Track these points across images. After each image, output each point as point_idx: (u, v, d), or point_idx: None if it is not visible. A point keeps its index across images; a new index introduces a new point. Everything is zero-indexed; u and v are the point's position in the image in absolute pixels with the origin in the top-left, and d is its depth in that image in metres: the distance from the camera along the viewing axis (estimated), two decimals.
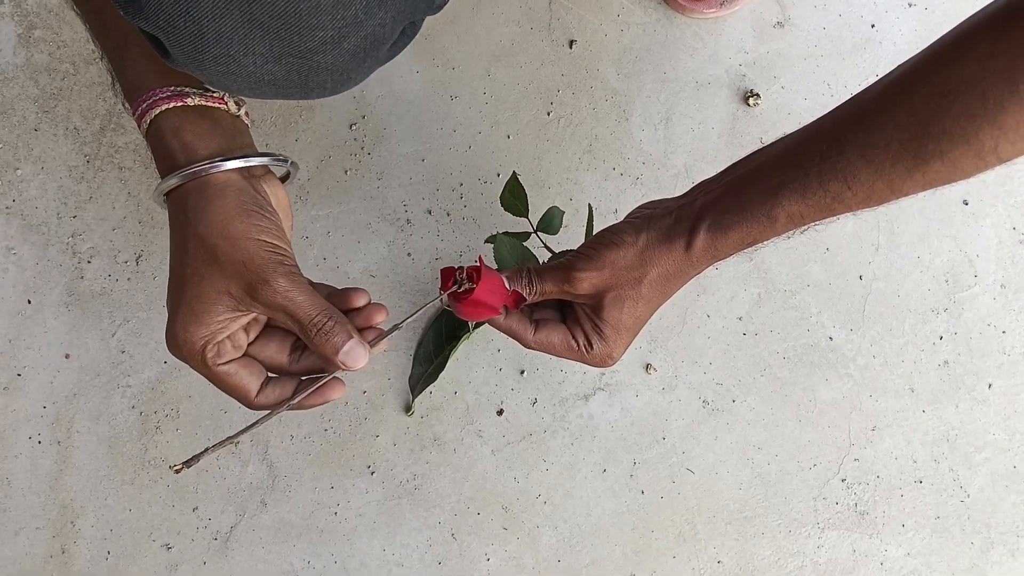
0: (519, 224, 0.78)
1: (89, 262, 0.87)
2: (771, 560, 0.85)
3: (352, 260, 0.87)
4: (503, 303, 0.55)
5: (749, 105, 0.90)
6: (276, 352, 0.53)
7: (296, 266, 0.50)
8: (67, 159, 0.88)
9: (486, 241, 0.78)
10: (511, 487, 0.85)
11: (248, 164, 0.52)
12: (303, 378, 0.53)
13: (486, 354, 0.86)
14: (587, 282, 0.55)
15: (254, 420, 0.51)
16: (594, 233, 0.72)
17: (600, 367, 0.59)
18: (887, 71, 0.48)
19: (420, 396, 0.85)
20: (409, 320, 0.54)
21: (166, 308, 0.50)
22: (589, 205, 0.73)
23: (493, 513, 0.85)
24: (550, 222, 0.77)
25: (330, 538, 0.84)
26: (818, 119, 0.52)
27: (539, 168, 0.89)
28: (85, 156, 0.89)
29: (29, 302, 0.86)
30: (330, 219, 0.87)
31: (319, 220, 0.87)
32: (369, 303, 0.54)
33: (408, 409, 0.85)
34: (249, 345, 0.52)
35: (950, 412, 0.87)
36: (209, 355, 0.49)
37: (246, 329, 0.52)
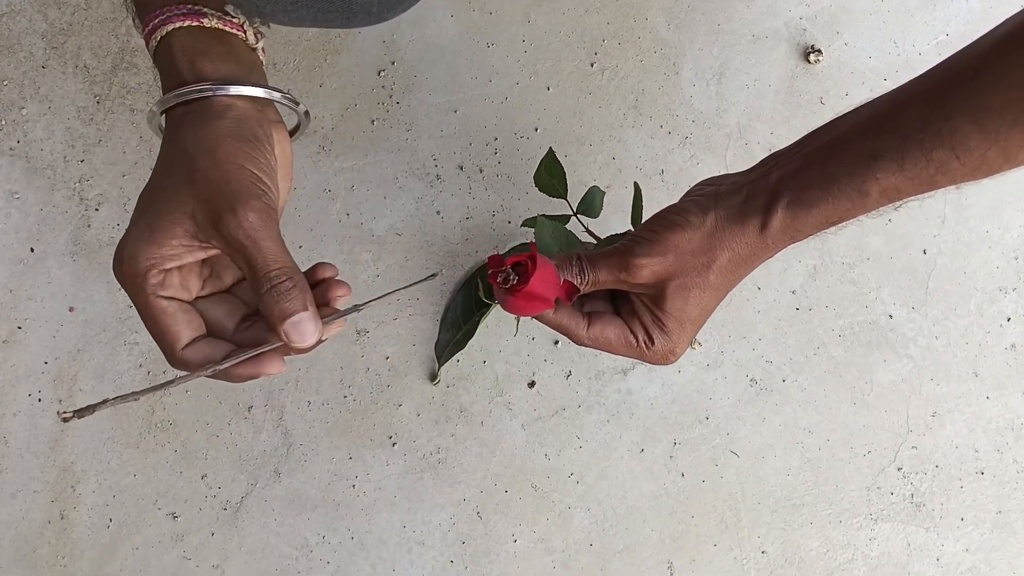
0: (553, 206, 0.72)
1: (97, 209, 0.81)
2: (819, 552, 0.79)
3: (377, 217, 0.81)
4: (556, 295, 0.49)
5: (809, 62, 0.83)
6: (224, 316, 0.46)
7: (275, 210, 0.44)
8: (76, 99, 0.82)
9: (523, 224, 0.72)
10: (542, 464, 0.79)
11: (257, 94, 0.47)
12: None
13: (519, 322, 0.80)
14: (648, 269, 0.49)
15: (176, 377, 0.44)
16: (642, 214, 0.67)
17: (661, 364, 0.53)
18: (959, 30, 0.43)
19: (447, 364, 0.79)
20: (373, 302, 0.48)
21: None
22: (636, 184, 0.67)
23: (522, 491, 0.79)
24: (590, 204, 0.71)
25: (347, 512, 0.79)
26: (913, 80, 0.47)
27: (580, 124, 0.82)
28: (95, 96, 0.83)
29: (32, 250, 0.81)
30: (354, 172, 0.81)
31: (343, 173, 0.81)
32: (334, 278, 0.48)
33: (434, 378, 0.79)
34: (199, 298, 0.46)
35: (1016, 399, 0.80)
36: (151, 281, 0.43)
37: (202, 278, 0.46)
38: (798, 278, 0.81)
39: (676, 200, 0.53)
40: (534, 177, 0.70)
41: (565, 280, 0.50)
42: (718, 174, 0.54)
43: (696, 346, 0.80)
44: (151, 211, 0.43)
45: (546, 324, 0.52)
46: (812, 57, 0.83)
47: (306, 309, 0.43)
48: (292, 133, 0.53)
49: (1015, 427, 0.80)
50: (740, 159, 0.82)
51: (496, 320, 0.80)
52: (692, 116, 0.83)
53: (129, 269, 0.43)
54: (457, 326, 0.79)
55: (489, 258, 0.48)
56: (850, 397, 0.80)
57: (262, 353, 0.44)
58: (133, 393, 0.42)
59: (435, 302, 0.80)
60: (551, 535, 0.79)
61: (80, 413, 0.40)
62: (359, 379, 0.80)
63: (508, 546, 0.78)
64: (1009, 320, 0.81)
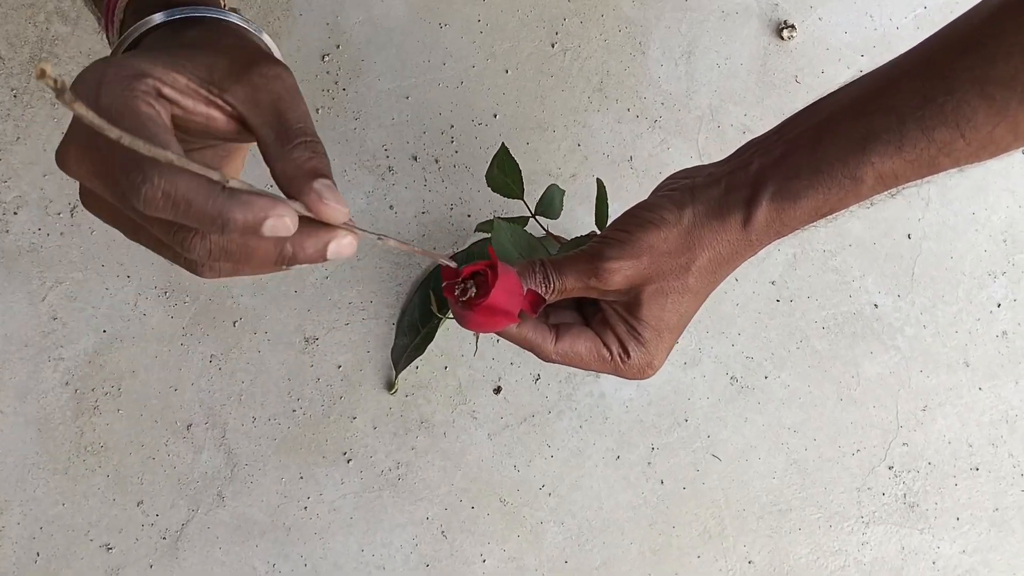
0: (510, 207, 0.67)
1: (15, 213, 0.74)
2: (809, 559, 0.74)
3: None
4: (519, 307, 0.43)
5: (783, 38, 0.79)
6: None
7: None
8: None
9: (477, 229, 0.67)
10: (510, 477, 0.73)
11: (248, 25, 0.40)
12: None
13: None
14: (620, 274, 0.44)
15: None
16: (607, 212, 0.61)
17: (638, 379, 0.48)
18: (937, 3, 0.40)
19: (404, 372, 0.73)
20: (396, 242, 0.37)
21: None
22: (599, 181, 0.61)
23: (490, 507, 0.73)
24: (549, 204, 0.65)
25: (299, 537, 0.72)
26: (907, 52, 0.43)
27: (542, 108, 0.77)
28: (12, 90, 0.75)
29: None
30: None
31: None
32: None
33: (391, 386, 0.73)
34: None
35: (1010, 389, 0.76)
36: (141, 87, 0.33)
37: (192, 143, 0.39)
38: (777, 268, 0.76)
39: (647, 190, 0.48)
40: (486, 176, 0.64)
41: (528, 290, 0.44)
42: (690, 162, 0.49)
43: None
44: (149, 55, 0.35)
45: (509, 340, 0.46)
46: (785, 33, 0.79)
47: (333, 188, 0.34)
48: None
49: (1009, 419, 0.76)
50: (713, 143, 0.77)
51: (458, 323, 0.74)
52: (661, 98, 0.77)
53: (118, 72, 0.33)
54: (415, 330, 0.73)
55: (442, 270, 0.42)
56: (836, 392, 0.75)
57: (280, 200, 0.32)
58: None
59: (390, 304, 0.74)
60: (523, 553, 0.73)
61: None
62: (308, 391, 0.73)
63: (476, 567, 0.72)
64: (999, 306, 0.77)
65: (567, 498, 0.73)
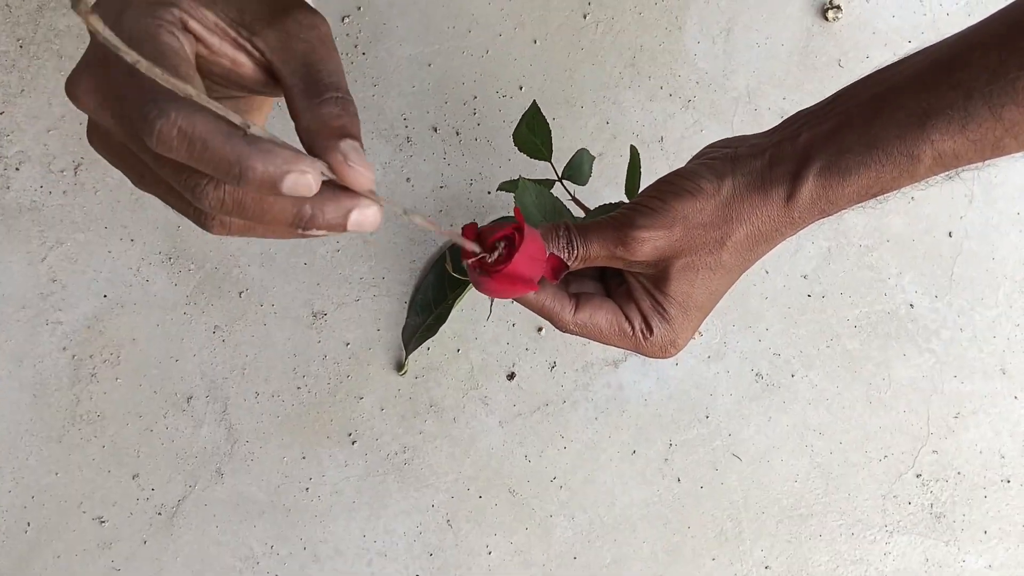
0: (536, 169, 0.63)
1: (17, 169, 0.71)
2: (828, 568, 0.71)
3: None
4: (540, 273, 0.40)
5: (827, 19, 0.74)
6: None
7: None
8: None
9: (500, 188, 0.63)
10: (521, 467, 0.70)
11: None
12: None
13: (497, 305, 0.71)
14: (649, 244, 0.41)
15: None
16: (639, 182, 0.58)
17: (659, 357, 0.45)
18: None
19: (415, 353, 0.70)
20: (420, 218, 0.32)
21: None
22: (633, 148, 0.57)
23: (498, 497, 0.70)
24: (578, 168, 0.61)
25: (299, 519, 0.69)
26: (980, 22, 0.40)
27: (570, 83, 0.73)
28: (18, 40, 0.72)
29: None
30: None
31: None
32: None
33: (400, 367, 0.70)
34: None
35: None
36: (167, 17, 0.31)
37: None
38: (811, 261, 0.73)
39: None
40: (513, 135, 0.61)
41: (551, 255, 0.41)
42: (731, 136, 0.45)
43: (696, 335, 0.71)
44: None
45: (526, 306, 0.43)
46: (830, 14, 0.74)
47: (362, 144, 0.31)
48: None
49: None
50: (748, 126, 0.73)
51: (472, 303, 0.71)
52: (696, 77, 0.73)
53: None
54: (428, 309, 0.70)
55: (464, 227, 0.39)
56: (865, 395, 0.72)
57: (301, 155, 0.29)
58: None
59: (403, 281, 0.71)
60: (530, 546, 0.70)
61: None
62: (315, 368, 0.70)
63: (482, 559, 0.70)
64: None
65: (579, 492, 0.70)
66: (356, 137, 0.31)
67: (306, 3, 0.34)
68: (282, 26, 0.33)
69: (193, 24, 0.32)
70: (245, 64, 0.33)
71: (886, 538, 0.71)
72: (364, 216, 0.30)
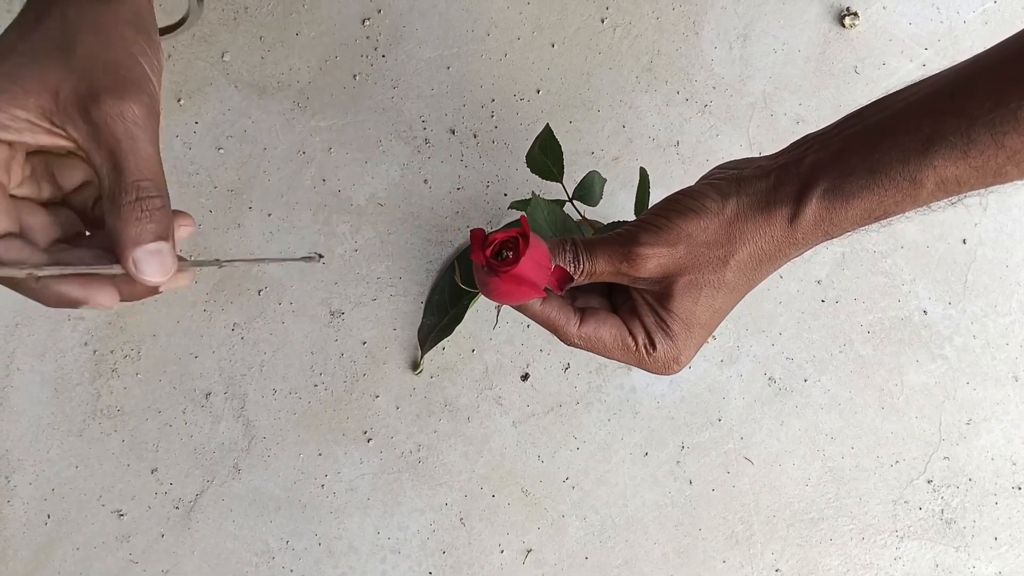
0: (547, 189, 0.64)
1: None
2: (839, 571, 0.71)
3: (357, 184, 0.72)
4: (546, 282, 0.41)
5: (844, 26, 0.75)
6: (37, 228, 0.38)
7: (159, 117, 0.37)
8: None
9: (512, 206, 0.64)
10: (534, 467, 0.71)
11: None
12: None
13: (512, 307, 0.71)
14: (654, 261, 0.42)
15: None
16: (648, 202, 0.58)
17: (662, 374, 0.46)
18: None
19: (430, 352, 0.71)
20: (236, 262, 0.40)
21: None
22: (642, 169, 0.58)
23: (511, 497, 0.71)
24: (589, 189, 0.62)
25: (314, 515, 0.70)
26: (985, 52, 0.40)
27: (587, 86, 0.73)
28: None
29: None
30: (332, 132, 0.72)
31: (319, 133, 0.72)
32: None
33: (416, 367, 0.71)
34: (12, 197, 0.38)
35: None
36: None
37: (23, 175, 0.38)
38: (825, 267, 0.73)
39: (692, 177, 0.45)
40: (526, 157, 0.61)
41: (557, 266, 0.42)
42: (740, 150, 0.46)
43: (709, 339, 0.72)
44: (3, 66, 0.35)
45: (531, 317, 0.44)
46: (847, 21, 0.75)
47: (167, 239, 0.36)
48: (167, 30, 0.47)
49: None
50: (764, 132, 0.73)
51: (488, 305, 0.72)
52: (712, 82, 0.74)
53: None
54: (443, 310, 0.71)
55: (472, 232, 0.40)
56: (878, 400, 0.72)
57: (96, 275, 0.35)
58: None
59: (420, 282, 0.72)
60: (542, 546, 0.70)
61: None
62: (332, 366, 0.71)
63: (494, 557, 0.70)
64: None
65: (591, 493, 0.71)
66: (159, 235, 0.35)
67: (120, 84, 0.35)
68: (89, 117, 0.35)
69: (5, 135, 0.35)
70: (65, 145, 0.36)
71: (896, 543, 0.71)
72: (160, 272, 0.36)
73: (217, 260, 0.39)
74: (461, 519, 0.70)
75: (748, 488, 0.71)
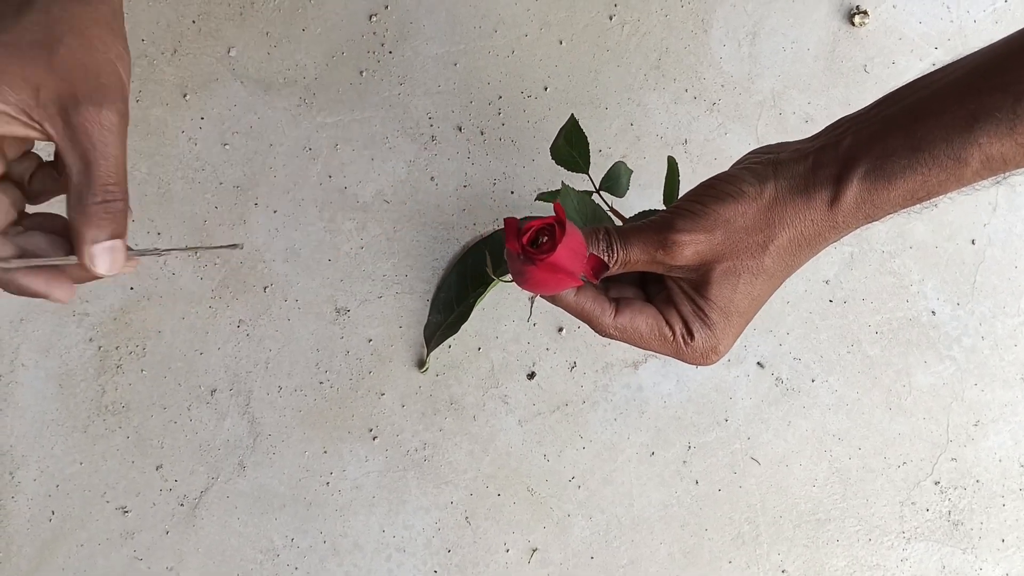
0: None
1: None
2: (845, 573, 0.71)
3: (363, 181, 0.72)
4: (582, 270, 0.40)
5: (854, 24, 0.74)
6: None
7: (128, 120, 0.40)
8: None
9: (539, 198, 0.64)
10: (539, 466, 0.71)
11: None
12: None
13: (518, 305, 0.71)
14: (691, 248, 0.41)
15: None
16: (677, 191, 0.58)
17: (700, 364, 0.45)
18: None
19: (436, 350, 0.70)
20: (173, 251, 0.43)
21: None
22: (671, 158, 0.57)
23: (516, 495, 0.70)
24: (616, 180, 0.62)
25: (319, 513, 0.70)
26: (1020, 31, 0.39)
27: (595, 84, 0.73)
28: None
29: None
30: (339, 129, 0.72)
31: (326, 129, 0.72)
32: None
33: (421, 365, 0.71)
34: None
35: None
36: None
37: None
38: (833, 266, 0.73)
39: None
40: (551, 148, 0.61)
41: (591, 254, 0.41)
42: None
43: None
44: None
45: (565, 308, 0.43)
46: (857, 19, 0.74)
47: (122, 236, 0.39)
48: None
49: None
50: (773, 131, 0.73)
51: (493, 303, 0.71)
52: (721, 80, 0.74)
53: None
54: (450, 308, 0.70)
55: (505, 220, 0.39)
56: (885, 401, 0.72)
57: (57, 269, 0.39)
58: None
59: (426, 279, 0.71)
60: (548, 545, 0.70)
61: None
62: (337, 363, 0.71)
63: (499, 556, 0.70)
64: None
65: (597, 492, 0.71)
66: (115, 235, 0.38)
67: (99, 91, 0.37)
68: (68, 119, 0.36)
69: None
70: (36, 138, 0.38)
71: (903, 545, 0.71)
72: (112, 266, 0.39)
73: (156, 248, 0.43)
74: (466, 518, 0.70)
75: (755, 488, 0.71)
